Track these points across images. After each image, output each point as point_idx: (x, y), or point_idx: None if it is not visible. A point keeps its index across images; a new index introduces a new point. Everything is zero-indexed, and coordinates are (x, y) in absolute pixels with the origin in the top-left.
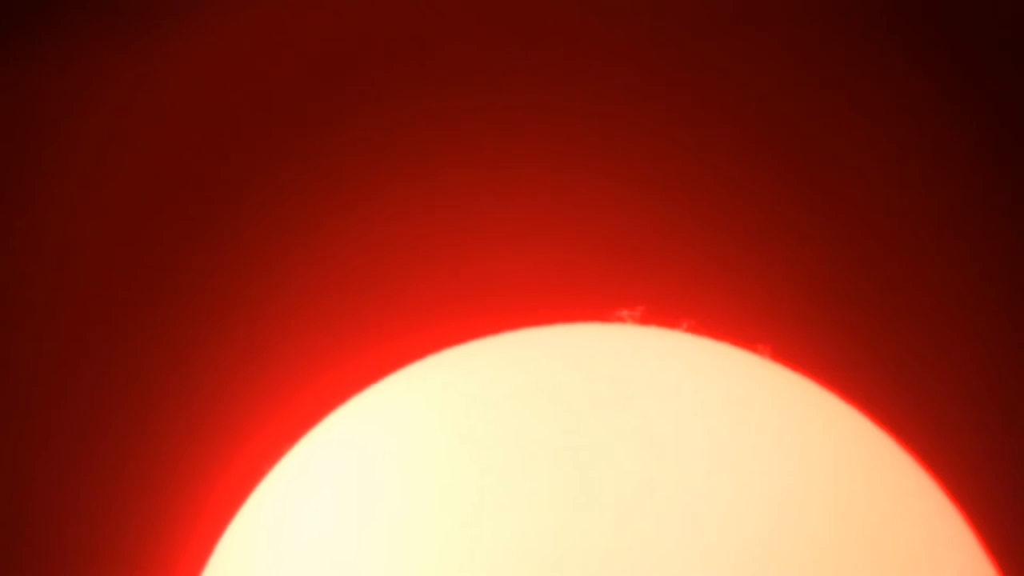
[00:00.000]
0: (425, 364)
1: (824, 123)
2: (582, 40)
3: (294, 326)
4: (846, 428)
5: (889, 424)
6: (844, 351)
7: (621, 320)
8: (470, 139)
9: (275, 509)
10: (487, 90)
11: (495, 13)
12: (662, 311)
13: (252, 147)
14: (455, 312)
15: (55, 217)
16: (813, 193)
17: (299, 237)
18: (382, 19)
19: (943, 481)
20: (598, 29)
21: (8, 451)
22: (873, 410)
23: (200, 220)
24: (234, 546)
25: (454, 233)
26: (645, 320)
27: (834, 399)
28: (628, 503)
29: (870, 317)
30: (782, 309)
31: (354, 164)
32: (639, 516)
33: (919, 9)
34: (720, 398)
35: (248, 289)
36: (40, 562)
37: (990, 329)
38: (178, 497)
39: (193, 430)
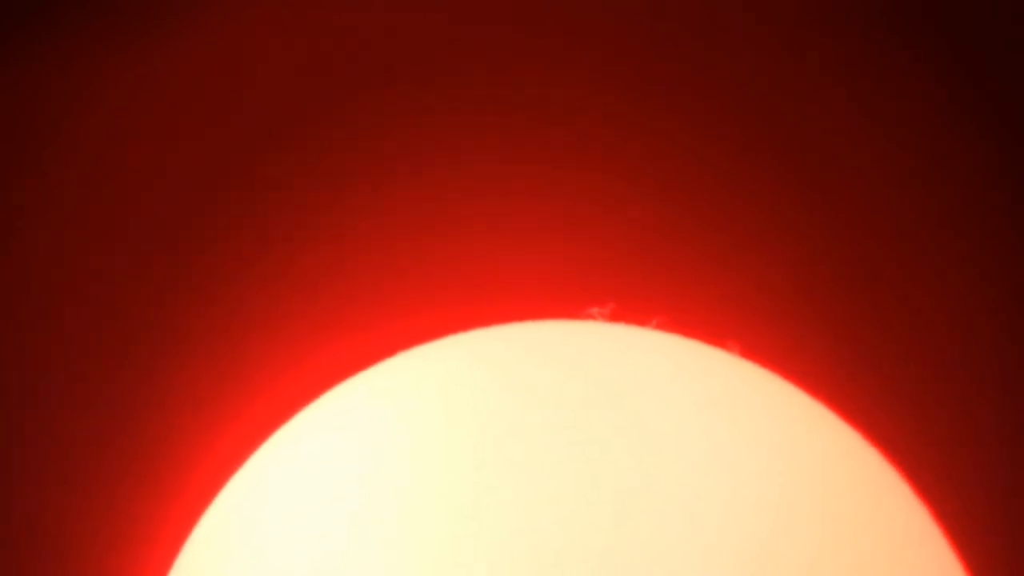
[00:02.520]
0: (393, 362)
1: (824, 123)
2: (583, 40)
3: (286, 323)
4: (819, 427)
5: (872, 429)
6: (834, 351)
7: (591, 317)
8: (462, 138)
9: (250, 501)
10: (486, 90)
11: (495, 13)
12: (632, 308)
13: (252, 147)
14: (423, 309)
15: (55, 217)
16: (813, 192)
17: (298, 237)
18: (382, 19)
19: (913, 480)
20: (598, 29)
21: (6, 450)
22: (848, 410)
23: (199, 220)
24: (206, 539)
25: (422, 232)
26: (615, 317)
27: (805, 397)
28: (600, 501)
29: (861, 317)
30: (754, 306)
31: (352, 163)
32: (612, 514)
33: (919, 9)
34: (691, 395)
35: (246, 287)
36: (19, 547)
37: (988, 330)
38: (151, 488)
39: (165, 431)
